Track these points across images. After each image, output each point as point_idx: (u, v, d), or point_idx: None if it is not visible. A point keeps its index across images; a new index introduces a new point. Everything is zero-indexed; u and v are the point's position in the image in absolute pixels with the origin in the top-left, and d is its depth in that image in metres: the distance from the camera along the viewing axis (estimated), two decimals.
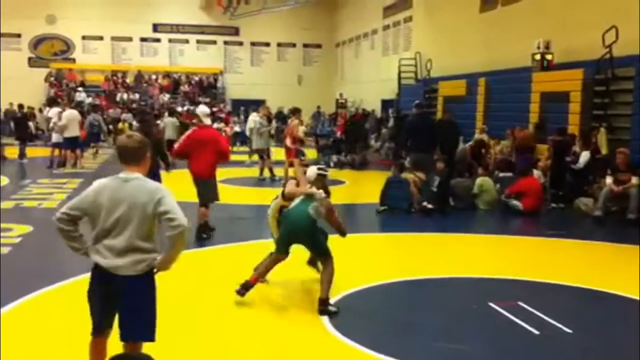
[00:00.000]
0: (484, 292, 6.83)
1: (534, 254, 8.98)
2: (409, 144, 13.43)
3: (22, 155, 19.71)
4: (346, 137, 20.57)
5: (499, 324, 5.83)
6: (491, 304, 6.21)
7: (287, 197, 6.65)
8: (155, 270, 3.85)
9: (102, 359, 3.89)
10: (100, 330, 3.87)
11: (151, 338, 3.84)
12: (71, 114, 18.30)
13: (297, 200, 6.35)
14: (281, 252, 6.35)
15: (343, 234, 6.59)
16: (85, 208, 3.78)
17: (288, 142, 15.11)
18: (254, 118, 16.95)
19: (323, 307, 5.95)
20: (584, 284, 7.13)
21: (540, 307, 6.08)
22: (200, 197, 9.05)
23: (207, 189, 9.04)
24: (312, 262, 6.96)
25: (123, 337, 3.80)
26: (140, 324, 3.80)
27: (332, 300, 6.16)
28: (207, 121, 9.36)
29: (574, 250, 9.31)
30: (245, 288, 6.19)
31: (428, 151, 12.89)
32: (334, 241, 6.63)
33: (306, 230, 6.20)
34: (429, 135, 13.14)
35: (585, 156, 12.63)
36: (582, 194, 12.26)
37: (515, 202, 11.88)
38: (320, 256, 6.34)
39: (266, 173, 15.98)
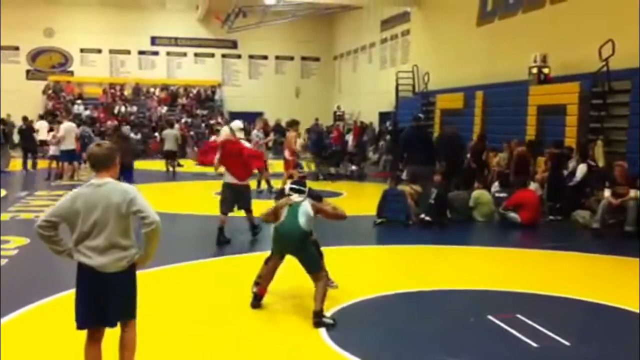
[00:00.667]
0: (482, 305, 6.81)
1: (532, 267, 8.96)
2: (405, 156, 13.44)
3: (34, 165, 19.99)
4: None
5: (497, 336, 5.81)
6: (489, 317, 6.19)
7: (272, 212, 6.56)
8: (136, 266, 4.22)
9: None
10: (90, 326, 4.20)
11: (131, 316, 4.27)
12: (68, 126, 18.31)
13: (283, 215, 6.31)
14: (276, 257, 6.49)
15: (343, 217, 6.71)
16: (63, 214, 4.12)
17: (287, 154, 15.14)
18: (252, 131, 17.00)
19: (318, 319, 5.92)
20: (582, 296, 7.11)
21: (539, 320, 6.07)
22: (240, 205, 9.87)
23: (244, 197, 9.87)
24: None
25: (111, 324, 4.22)
26: (124, 310, 4.22)
27: (329, 312, 6.15)
28: (240, 135, 10.19)
29: (572, 262, 9.30)
30: (258, 300, 6.38)
31: (424, 164, 12.89)
32: (332, 253, 6.61)
33: (298, 243, 6.21)
34: (425, 148, 13.17)
35: (582, 169, 12.65)
36: (580, 207, 12.26)
37: (513, 215, 11.88)
38: (312, 271, 6.22)
39: (264, 185, 15.98)
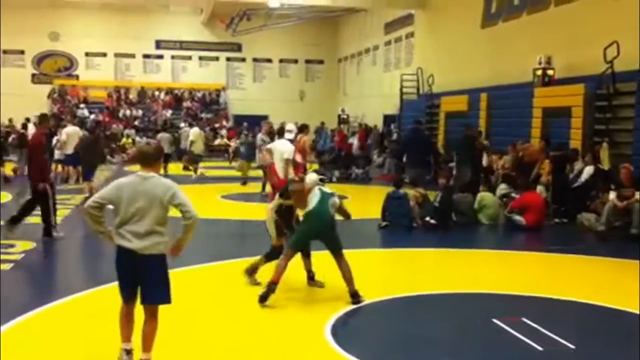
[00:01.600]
0: (487, 308, 6.80)
1: (537, 269, 8.95)
2: (404, 159, 13.71)
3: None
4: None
5: (502, 340, 5.79)
6: (494, 320, 6.18)
7: (290, 193, 7.14)
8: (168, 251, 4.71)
9: (131, 323, 4.76)
10: (127, 299, 4.73)
11: (168, 301, 4.72)
12: (71, 130, 18.32)
13: (315, 201, 6.75)
14: (299, 248, 6.92)
15: (348, 216, 7.44)
16: (110, 198, 4.66)
17: (298, 157, 15.07)
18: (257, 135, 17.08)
19: (356, 299, 6.58)
20: (588, 299, 7.09)
21: (544, 323, 6.05)
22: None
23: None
24: (311, 279, 7.23)
25: (145, 302, 4.68)
26: (159, 291, 4.68)
27: (333, 317, 6.15)
28: (290, 136, 10.97)
29: (577, 265, 9.27)
30: (270, 290, 6.52)
31: (421, 166, 13.20)
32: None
33: (330, 227, 6.78)
34: (421, 150, 13.46)
35: (588, 171, 12.62)
36: (585, 209, 12.23)
37: (518, 217, 11.86)
38: (340, 249, 6.79)
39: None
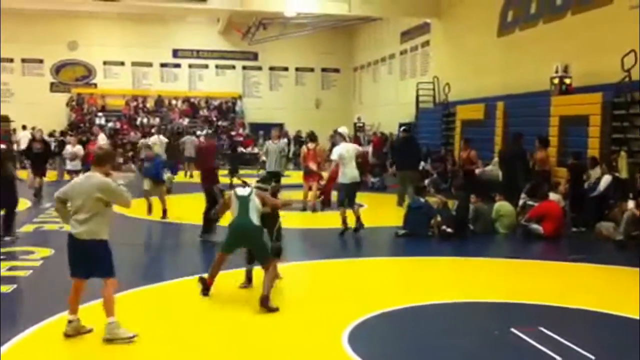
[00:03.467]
0: (505, 317, 6.78)
1: (554, 279, 8.89)
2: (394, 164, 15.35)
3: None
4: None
5: (520, 349, 5.77)
6: (512, 329, 6.15)
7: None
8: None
9: (79, 295, 5.86)
10: (71, 274, 5.85)
11: (108, 275, 5.77)
12: (157, 138, 18.82)
13: (234, 210, 7.11)
14: (225, 253, 7.24)
15: (279, 206, 7.80)
16: (66, 193, 5.88)
17: (314, 166, 15.11)
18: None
19: (265, 303, 6.56)
20: (606, 309, 7.04)
21: (562, 333, 6.02)
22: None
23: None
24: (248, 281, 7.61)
25: (92, 276, 5.84)
26: (99, 267, 5.76)
27: (351, 325, 6.15)
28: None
29: (595, 274, 9.21)
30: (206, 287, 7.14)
31: (410, 168, 15.54)
32: (352, 264, 6.61)
33: (248, 236, 7.05)
34: (411, 154, 15.85)
35: (606, 180, 12.55)
36: (603, 218, 12.15)
37: (535, 226, 11.79)
38: (263, 258, 7.01)
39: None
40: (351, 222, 11.42)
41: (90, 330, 5.80)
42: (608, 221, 11.95)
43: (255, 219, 6.98)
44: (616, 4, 15.40)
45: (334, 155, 12.23)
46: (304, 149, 16.01)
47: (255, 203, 7.06)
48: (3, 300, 6.93)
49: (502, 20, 20.66)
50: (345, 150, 12.10)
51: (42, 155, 16.94)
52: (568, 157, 14.08)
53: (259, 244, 7.05)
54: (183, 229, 12.57)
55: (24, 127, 28.18)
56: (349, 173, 11.82)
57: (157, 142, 20.82)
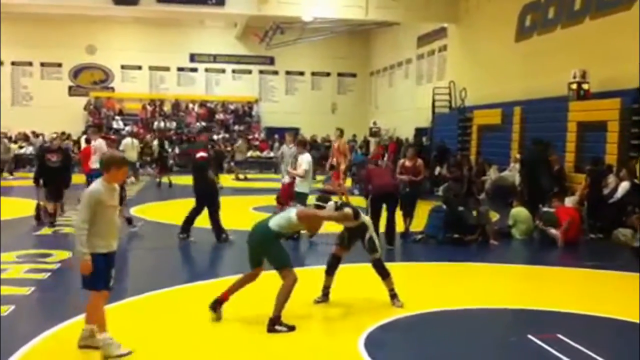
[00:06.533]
0: (522, 324, 6.74)
1: (572, 285, 8.84)
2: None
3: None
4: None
5: (538, 356, 5.73)
6: (530, 336, 6.12)
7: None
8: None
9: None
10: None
11: (83, 286, 5.51)
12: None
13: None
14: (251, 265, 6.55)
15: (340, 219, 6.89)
16: None
17: (335, 161, 15.20)
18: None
19: (271, 326, 6.08)
20: (624, 316, 6.98)
21: (580, 340, 5.97)
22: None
23: None
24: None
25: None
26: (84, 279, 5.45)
27: (367, 331, 6.14)
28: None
29: (613, 281, 9.14)
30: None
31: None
32: (369, 270, 6.59)
33: (256, 244, 6.42)
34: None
35: (624, 187, 12.45)
36: (621, 225, 12.05)
37: (553, 232, 11.70)
38: (277, 269, 6.34)
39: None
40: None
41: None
42: (626, 228, 11.86)
43: (273, 224, 6.34)
44: (634, 10, 15.31)
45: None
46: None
47: (289, 214, 6.48)
48: (22, 302, 6.99)
49: (520, 25, 20.59)
50: None
51: (60, 170, 12.68)
52: (586, 163, 14.01)
53: (266, 249, 6.37)
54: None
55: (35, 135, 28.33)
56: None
57: (130, 145, 20.64)
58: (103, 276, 5.44)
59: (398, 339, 6.30)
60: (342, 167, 15.28)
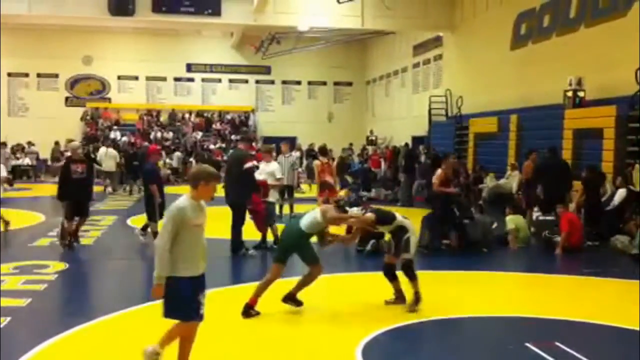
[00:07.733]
0: (520, 332, 6.73)
1: (569, 293, 8.83)
2: None
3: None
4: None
5: None
6: (528, 344, 6.11)
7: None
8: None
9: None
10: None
11: (164, 315, 4.87)
12: (102, 152, 18.78)
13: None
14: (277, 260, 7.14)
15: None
16: None
17: (331, 180, 14.94)
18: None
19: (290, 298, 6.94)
20: (622, 323, 6.97)
21: (579, 348, 5.96)
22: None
23: None
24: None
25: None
26: (164, 307, 4.90)
27: (364, 339, 6.13)
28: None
29: (610, 289, 9.13)
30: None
31: None
32: (366, 279, 6.58)
33: (287, 242, 7.09)
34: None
35: (621, 194, 12.47)
36: (618, 232, 12.06)
37: (559, 238, 11.62)
38: (308, 263, 7.06)
39: (286, 210, 15.66)
40: None
41: None
42: (623, 235, 11.86)
43: (303, 224, 6.97)
44: (629, 17, 15.38)
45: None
46: (316, 162, 15.76)
47: (315, 214, 7.04)
48: (19, 314, 6.97)
49: (515, 34, 20.67)
50: None
51: (84, 182, 11.26)
52: (582, 171, 14.01)
53: (299, 248, 7.02)
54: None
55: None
56: None
57: (105, 155, 20.49)
58: (188, 303, 4.79)
59: (395, 347, 6.29)
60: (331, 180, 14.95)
